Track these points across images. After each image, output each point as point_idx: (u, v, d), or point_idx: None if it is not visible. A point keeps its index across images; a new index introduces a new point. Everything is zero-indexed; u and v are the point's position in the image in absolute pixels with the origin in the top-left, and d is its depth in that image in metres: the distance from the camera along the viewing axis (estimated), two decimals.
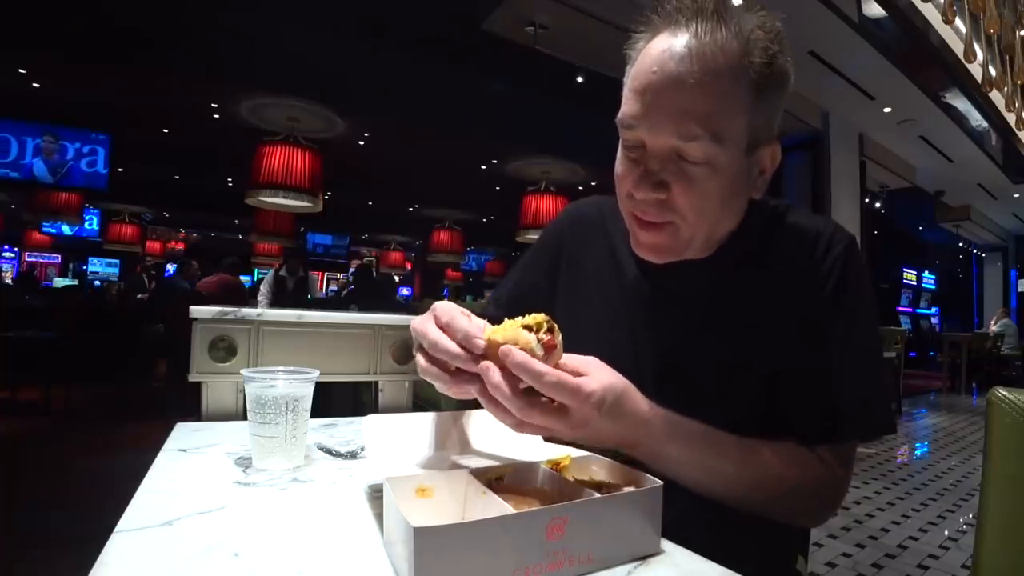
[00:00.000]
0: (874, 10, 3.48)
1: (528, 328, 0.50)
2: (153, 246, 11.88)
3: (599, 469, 0.57)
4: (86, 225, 10.08)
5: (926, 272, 13.50)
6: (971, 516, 2.80)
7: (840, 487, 0.63)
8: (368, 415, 0.63)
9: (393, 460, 0.57)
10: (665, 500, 0.49)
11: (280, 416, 0.65)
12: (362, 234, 13.63)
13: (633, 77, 0.60)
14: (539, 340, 0.49)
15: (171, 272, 9.02)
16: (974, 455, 4.14)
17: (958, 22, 2.66)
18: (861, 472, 3.53)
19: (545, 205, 6.06)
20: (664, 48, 0.56)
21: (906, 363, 6.72)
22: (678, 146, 0.57)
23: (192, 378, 1.02)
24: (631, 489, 0.50)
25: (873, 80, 4.58)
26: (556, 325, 0.51)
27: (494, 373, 0.48)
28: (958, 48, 3.58)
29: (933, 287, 13.75)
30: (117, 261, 12.24)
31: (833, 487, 0.63)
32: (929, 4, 3.51)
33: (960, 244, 11.67)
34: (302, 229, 11.36)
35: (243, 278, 7.30)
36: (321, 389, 0.73)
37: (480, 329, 0.50)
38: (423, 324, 0.53)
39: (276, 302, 5.08)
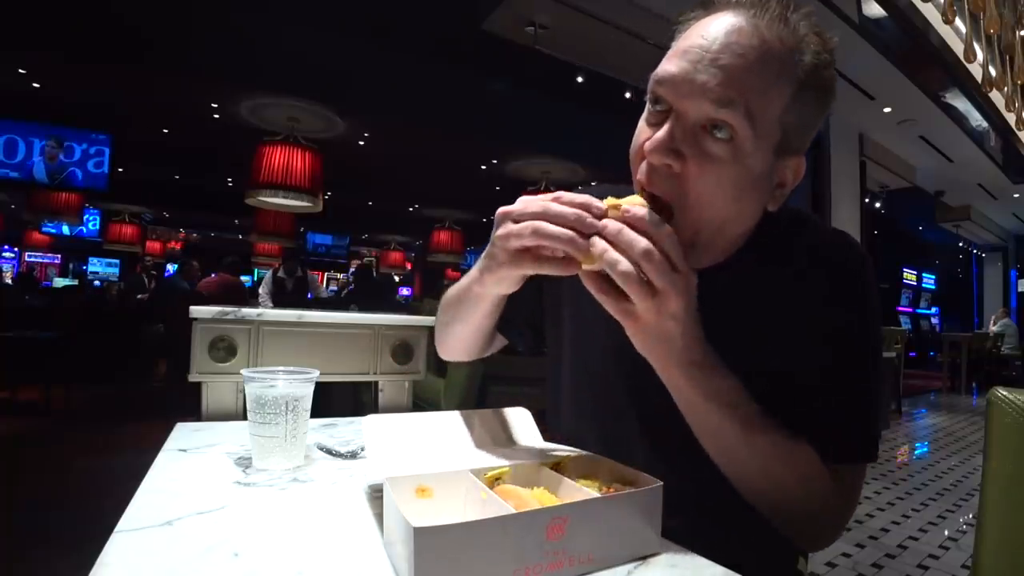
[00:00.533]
0: (874, 10, 3.48)
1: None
2: (153, 246, 11.88)
3: (599, 469, 0.57)
4: (88, 226, 10.09)
5: (926, 272, 13.50)
6: (971, 516, 2.80)
7: (845, 509, 0.61)
8: (368, 415, 0.63)
9: (393, 460, 0.57)
10: (665, 501, 0.49)
11: (280, 416, 0.65)
12: (362, 234, 13.63)
13: (678, 42, 0.57)
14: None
15: (171, 272, 9.03)
16: (974, 455, 4.14)
17: (958, 22, 2.66)
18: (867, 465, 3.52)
19: None
20: (719, 20, 0.55)
21: (906, 363, 6.72)
22: (708, 113, 0.53)
23: (192, 378, 1.02)
24: (631, 489, 0.50)
25: (873, 80, 4.58)
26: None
27: (613, 223, 0.49)
28: (958, 48, 3.58)
29: (933, 287, 13.75)
30: (117, 261, 12.25)
31: (839, 508, 0.61)
32: (929, 4, 3.51)
33: (960, 244, 11.66)
34: (302, 229, 11.36)
35: (243, 278, 7.31)
36: (321, 389, 0.73)
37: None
38: (521, 202, 0.54)
39: (276, 302, 5.08)
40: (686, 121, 0.55)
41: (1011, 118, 3.61)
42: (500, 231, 0.55)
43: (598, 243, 0.49)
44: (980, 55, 2.80)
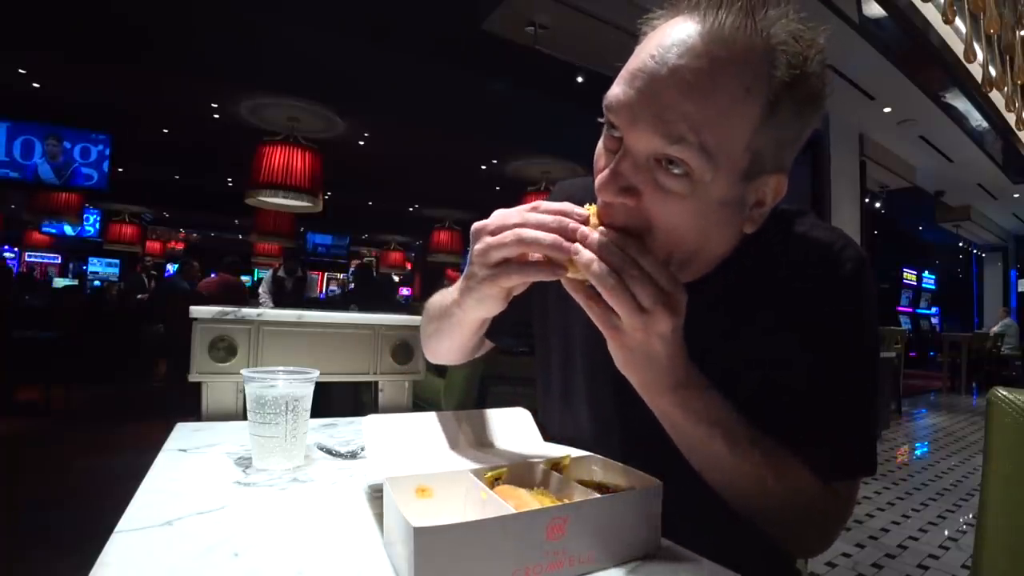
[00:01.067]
0: (874, 10, 3.48)
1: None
2: (153, 246, 11.89)
3: (599, 469, 0.57)
4: (87, 227, 10.08)
5: (926, 272, 13.50)
6: (971, 516, 2.80)
7: (837, 521, 0.60)
8: (368, 415, 0.63)
9: (393, 460, 0.57)
10: (665, 500, 0.49)
11: (280, 416, 0.65)
12: (362, 234, 13.62)
13: (633, 57, 0.51)
14: None
15: (171, 272, 9.03)
16: (974, 455, 4.14)
17: (958, 22, 2.66)
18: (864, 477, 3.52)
19: None
20: (673, 33, 0.48)
21: (906, 363, 6.72)
22: (658, 149, 0.48)
23: (192, 378, 1.02)
24: (631, 489, 0.50)
25: (873, 80, 4.58)
26: None
27: (600, 235, 0.48)
28: (958, 48, 3.58)
29: (933, 287, 13.75)
30: (117, 261, 12.24)
31: (831, 519, 0.60)
32: (929, 4, 3.51)
33: (960, 244, 11.67)
34: (302, 229, 11.35)
35: (243, 278, 7.31)
36: (321, 389, 0.73)
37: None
38: (496, 216, 0.52)
39: (277, 302, 5.09)
40: (637, 155, 0.50)
41: (1011, 118, 3.61)
42: (478, 246, 0.52)
43: (585, 254, 0.48)
44: (980, 55, 2.80)
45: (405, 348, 1.23)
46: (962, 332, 9.24)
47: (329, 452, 0.74)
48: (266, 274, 5.88)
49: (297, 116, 5.36)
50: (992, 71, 2.67)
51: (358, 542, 0.47)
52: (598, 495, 0.48)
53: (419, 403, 1.28)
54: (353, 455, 0.73)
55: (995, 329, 8.75)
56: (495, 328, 0.73)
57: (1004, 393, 0.59)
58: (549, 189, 6.21)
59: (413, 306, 7.04)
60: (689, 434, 0.54)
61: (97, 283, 10.73)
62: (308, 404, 0.68)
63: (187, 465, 0.67)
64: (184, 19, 3.79)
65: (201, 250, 10.04)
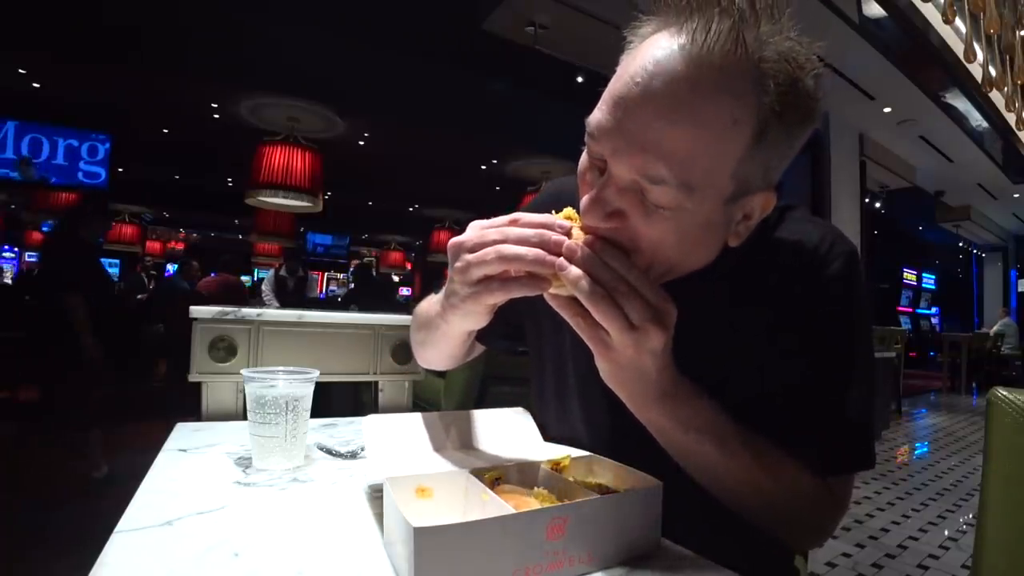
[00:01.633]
0: (874, 10, 3.48)
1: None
2: (153, 246, 11.88)
3: (599, 469, 0.57)
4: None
5: (926, 272, 13.50)
6: (971, 516, 2.80)
7: (833, 516, 0.60)
8: (368, 415, 0.63)
9: (393, 460, 0.57)
10: (665, 500, 0.49)
11: (280, 416, 0.65)
12: (362, 234, 13.62)
13: (616, 77, 0.49)
14: None
15: (171, 272, 9.02)
16: (974, 455, 4.14)
17: (958, 22, 2.66)
18: (861, 472, 3.52)
19: None
20: (658, 57, 0.45)
21: (906, 363, 6.72)
22: (638, 178, 0.47)
23: (192, 378, 1.02)
24: (631, 489, 0.50)
25: (873, 80, 4.58)
26: None
27: (587, 248, 0.47)
28: (958, 48, 3.58)
29: (933, 287, 13.75)
30: (117, 261, 12.23)
31: (827, 515, 0.60)
32: (929, 4, 3.51)
33: (960, 244, 11.67)
34: (302, 229, 11.35)
35: (243, 278, 7.30)
36: (321, 389, 0.73)
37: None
38: (472, 231, 0.50)
39: (280, 301, 5.09)
40: (620, 180, 0.49)
41: (1011, 118, 3.61)
42: (458, 264, 0.51)
43: (572, 271, 0.47)
44: (980, 55, 2.80)
45: (405, 348, 1.23)
46: (962, 332, 9.24)
47: (329, 452, 0.74)
48: (268, 274, 5.87)
49: (297, 116, 5.36)
50: (992, 71, 2.67)
51: (358, 542, 0.47)
52: (598, 495, 0.48)
53: (419, 403, 1.28)
54: (353, 455, 0.73)
55: (995, 329, 8.75)
56: (486, 333, 0.71)
57: (1004, 393, 0.59)
58: None
59: (413, 306, 7.03)
60: (678, 441, 0.54)
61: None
62: (308, 404, 0.68)
63: (187, 465, 0.67)
64: (184, 19, 3.79)
65: (201, 250, 10.04)
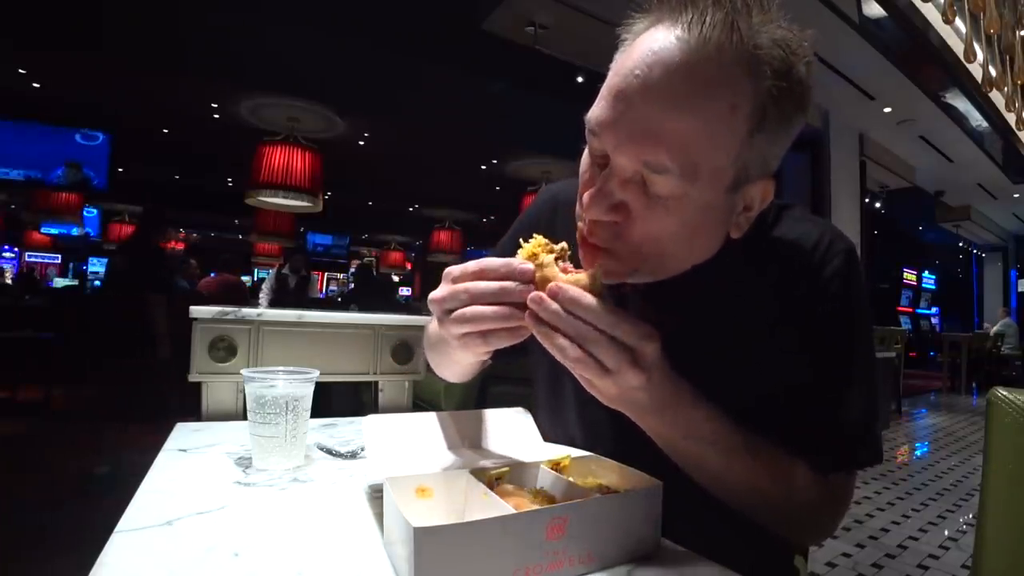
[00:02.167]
0: (874, 10, 3.48)
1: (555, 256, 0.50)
2: None
3: (599, 469, 0.57)
4: (88, 231, 10.08)
5: (926, 272, 13.51)
6: (971, 516, 2.80)
7: (836, 513, 0.60)
8: (368, 415, 0.63)
9: (393, 460, 0.57)
10: (665, 500, 0.49)
11: (280, 416, 0.65)
12: (362, 234, 13.62)
13: (614, 72, 0.50)
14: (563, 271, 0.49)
15: None
16: (974, 455, 4.14)
17: (958, 22, 2.66)
18: (861, 472, 3.52)
19: None
20: (655, 49, 0.46)
21: (906, 363, 6.72)
22: (640, 169, 0.48)
23: (192, 378, 1.02)
24: (631, 489, 0.50)
25: (873, 80, 4.58)
26: (568, 252, 0.51)
27: (552, 304, 0.45)
28: (958, 48, 3.58)
29: (933, 287, 13.76)
30: None
31: (831, 511, 0.60)
32: (929, 4, 3.51)
33: (960, 244, 11.68)
34: (302, 229, 11.35)
35: (243, 278, 7.30)
36: (321, 389, 0.73)
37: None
38: (444, 288, 0.50)
39: (277, 300, 5.08)
40: (623, 172, 0.49)
41: (1011, 118, 3.61)
42: (442, 321, 0.51)
43: (539, 328, 0.46)
44: (980, 55, 2.80)
45: (405, 348, 1.23)
46: (962, 332, 9.24)
47: (329, 452, 0.74)
48: (269, 274, 5.87)
49: (297, 116, 5.36)
50: (992, 71, 2.67)
51: (358, 542, 0.47)
52: (598, 495, 0.48)
53: (419, 403, 1.28)
54: (353, 455, 0.73)
55: (995, 329, 8.75)
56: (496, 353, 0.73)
57: (1004, 393, 0.59)
58: None
59: (413, 306, 7.02)
60: (677, 447, 0.54)
61: (97, 283, 10.72)
62: (308, 404, 0.68)
63: (187, 465, 0.67)
64: (184, 19, 3.79)
65: (201, 250, 10.04)
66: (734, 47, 0.45)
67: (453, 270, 0.51)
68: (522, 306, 0.47)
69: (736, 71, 0.46)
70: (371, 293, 5.46)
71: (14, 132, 5.55)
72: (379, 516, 0.51)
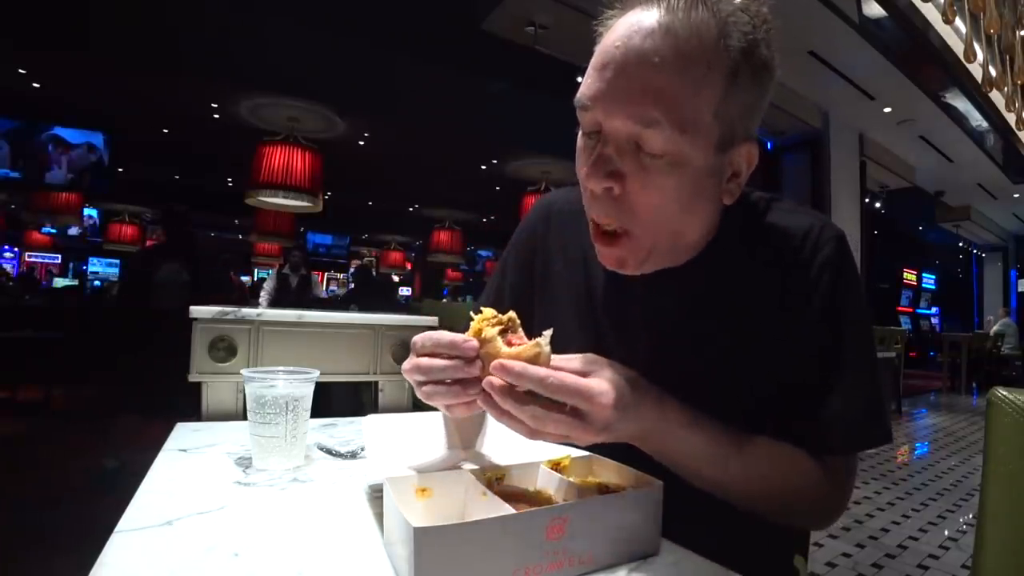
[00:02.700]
0: (874, 10, 3.48)
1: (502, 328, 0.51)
2: None
3: (599, 469, 0.57)
4: (88, 233, 10.08)
5: (926, 272, 13.51)
6: (971, 516, 2.80)
7: (841, 496, 0.61)
8: (368, 415, 0.63)
9: (393, 460, 0.57)
10: (665, 500, 0.49)
11: (280, 416, 0.65)
12: (362, 234, 13.62)
13: (596, 54, 0.55)
14: (507, 342, 0.49)
15: None
16: (974, 455, 4.14)
17: (958, 22, 2.66)
18: (861, 472, 3.52)
19: None
20: (632, 22, 0.52)
21: (906, 363, 6.72)
22: (636, 132, 0.52)
23: (192, 378, 1.02)
24: (631, 489, 0.50)
25: (873, 80, 4.58)
26: (518, 322, 0.52)
27: (497, 382, 0.47)
28: (958, 48, 3.58)
29: (933, 287, 13.76)
30: (117, 261, 12.23)
31: (834, 495, 0.61)
32: (929, 4, 3.51)
33: (960, 244, 11.67)
34: (302, 229, 11.36)
35: (243, 279, 7.30)
36: (321, 389, 0.73)
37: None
38: (409, 361, 0.53)
39: (277, 299, 5.08)
40: (617, 139, 0.53)
41: (1011, 118, 3.61)
42: (416, 389, 0.54)
43: (490, 409, 0.49)
44: (980, 55, 2.80)
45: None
46: (962, 332, 9.24)
47: (329, 452, 0.74)
48: (269, 274, 5.86)
49: (297, 116, 5.36)
50: (992, 71, 2.67)
51: (358, 542, 0.47)
52: (598, 495, 0.48)
53: (419, 403, 1.28)
54: (353, 455, 0.73)
55: (995, 329, 8.75)
56: None
57: (1004, 393, 0.59)
58: (550, 188, 6.24)
59: (413, 306, 7.02)
60: (676, 464, 0.56)
61: (97, 283, 10.72)
62: (308, 404, 0.68)
63: (187, 465, 0.67)
64: (184, 19, 3.79)
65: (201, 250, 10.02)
66: (701, 13, 0.51)
67: (416, 341, 0.53)
68: (476, 380, 0.49)
69: (707, 33, 0.51)
70: (371, 293, 5.46)
71: (14, 132, 5.55)
72: (379, 516, 0.51)
